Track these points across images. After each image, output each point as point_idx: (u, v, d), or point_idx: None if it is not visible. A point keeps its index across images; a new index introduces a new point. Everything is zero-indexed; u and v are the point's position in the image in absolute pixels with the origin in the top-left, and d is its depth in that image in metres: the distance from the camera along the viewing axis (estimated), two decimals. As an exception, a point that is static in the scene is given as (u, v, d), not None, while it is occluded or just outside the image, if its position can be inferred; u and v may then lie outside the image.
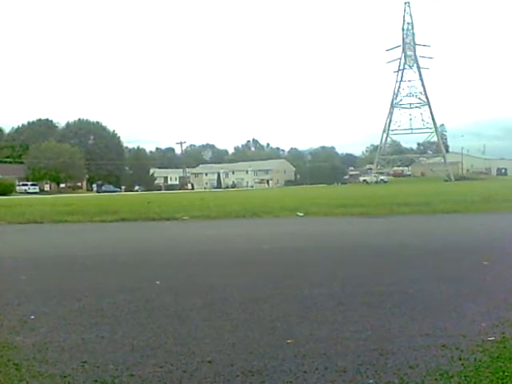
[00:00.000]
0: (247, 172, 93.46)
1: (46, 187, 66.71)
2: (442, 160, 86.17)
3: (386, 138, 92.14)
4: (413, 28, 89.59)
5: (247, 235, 5.89)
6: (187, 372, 1.49)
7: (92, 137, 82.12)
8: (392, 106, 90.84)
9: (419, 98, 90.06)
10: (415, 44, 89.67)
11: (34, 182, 63.63)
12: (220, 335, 1.84)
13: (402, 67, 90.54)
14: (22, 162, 67.34)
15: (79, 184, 72.22)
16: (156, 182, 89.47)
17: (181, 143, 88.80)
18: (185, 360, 1.59)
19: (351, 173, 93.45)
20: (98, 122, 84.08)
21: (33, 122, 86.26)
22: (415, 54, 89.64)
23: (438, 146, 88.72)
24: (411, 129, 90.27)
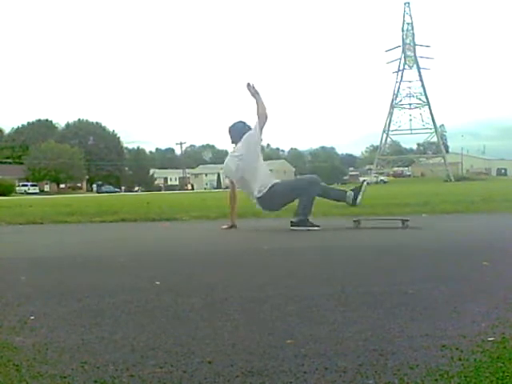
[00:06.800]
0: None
1: (46, 188, 66.65)
2: (442, 160, 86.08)
3: (386, 138, 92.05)
4: (413, 28, 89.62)
5: (247, 235, 5.88)
6: (187, 372, 1.49)
7: (92, 137, 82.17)
8: (392, 107, 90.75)
9: (419, 99, 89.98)
10: (415, 44, 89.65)
11: (34, 183, 63.58)
12: (220, 335, 1.84)
13: (401, 68, 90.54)
14: (21, 163, 67.27)
15: (79, 184, 72.21)
16: (156, 182, 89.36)
17: (181, 144, 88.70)
18: (185, 360, 1.59)
19: (351, 173, 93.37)
20: (97, 123, 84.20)
21: (33, 123, 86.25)
22: (415, 55, 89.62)
23: (438, 147, 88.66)
24: (411, 129, 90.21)
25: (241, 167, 5.77)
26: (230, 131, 5.96)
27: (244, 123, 5.95)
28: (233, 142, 5.86)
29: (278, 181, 6.11)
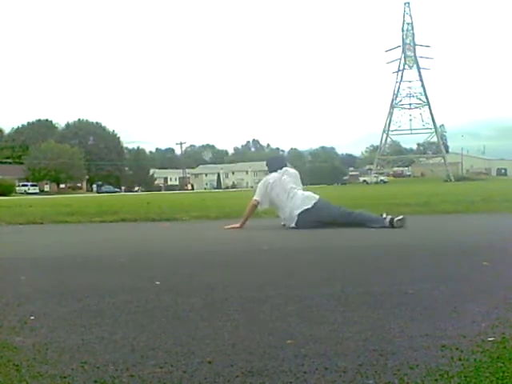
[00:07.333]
0: (247, 172, 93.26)
1: (46, 188, 66.63)
2: (442, 160, 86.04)
3: (386, 138, 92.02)
4: (413, 28, 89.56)
5: (247, 236, 5.88)
6: (187, 372, 1.49)
7: (92, 137, 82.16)
8: (392, 107, 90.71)
9: (419, 99, 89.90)
10: (415, 44, 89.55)
11: (34, 183, 63.55)
12: (220, 335, 1.84)
13: (401, 68, 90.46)
14: (21, 163, 67.25)
15: (79, 184, 72.19)
16: (156, 182, 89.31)
17: (181, 144, 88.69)
18: (185, 360, 1.59)
19: (351, 173, 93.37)
20: (97, 123, 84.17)
21: (32, 123, 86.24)
22: (415, 55, 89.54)
23: (438, 147, 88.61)
24: (411, 129, 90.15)
25: (266, 200, 6.37)
26: (268, 162, 6.63)
27: (283, 160, 6.83)
28: (270, 172, 6.58)
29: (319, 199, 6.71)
